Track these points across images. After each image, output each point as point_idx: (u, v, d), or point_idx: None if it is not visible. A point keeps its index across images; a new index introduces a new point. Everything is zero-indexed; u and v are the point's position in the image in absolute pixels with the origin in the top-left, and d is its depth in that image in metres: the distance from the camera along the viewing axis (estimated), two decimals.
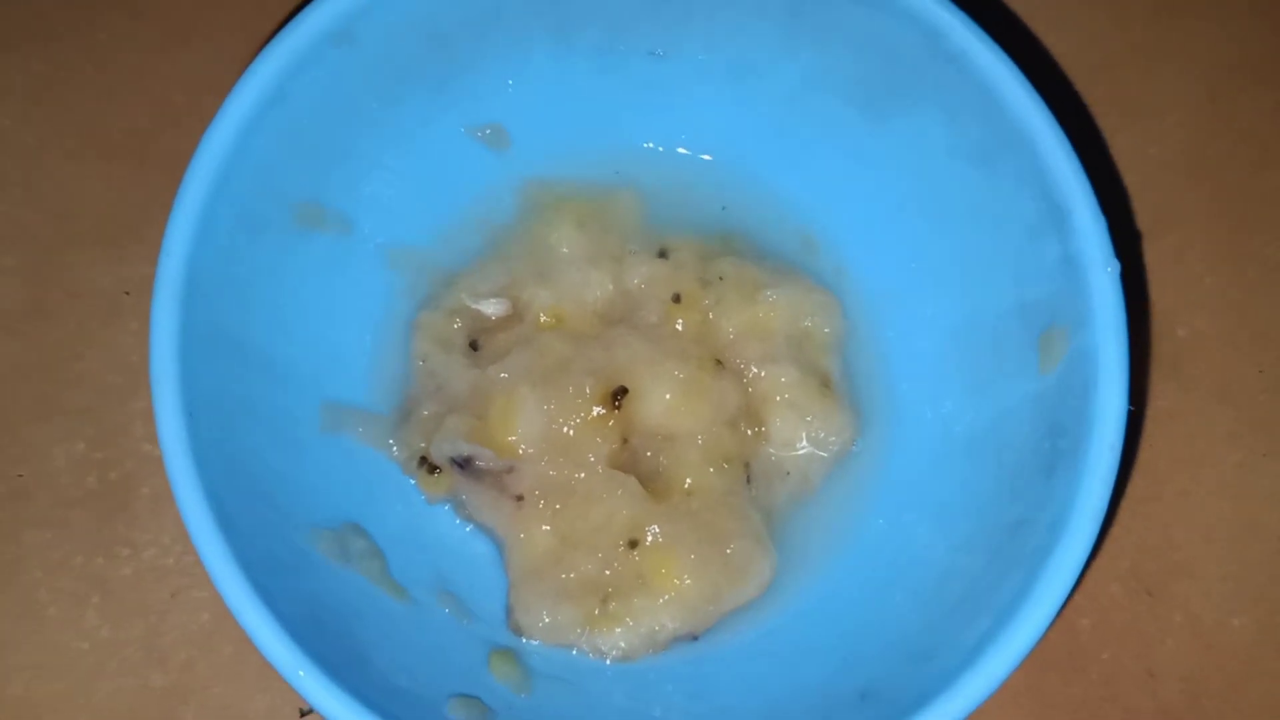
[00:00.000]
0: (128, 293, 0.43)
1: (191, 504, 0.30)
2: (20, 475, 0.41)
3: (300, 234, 0.36)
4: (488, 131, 0.40)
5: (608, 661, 0.36)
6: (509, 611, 0.37)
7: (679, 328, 0.39)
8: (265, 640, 0.29)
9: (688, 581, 0.36)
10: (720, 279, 0.39)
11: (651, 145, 0.41)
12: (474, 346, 0.39)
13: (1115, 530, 0.41)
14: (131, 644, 0.40)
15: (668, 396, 0.37)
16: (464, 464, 0.37)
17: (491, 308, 0.39)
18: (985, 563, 0.33)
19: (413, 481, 0.38)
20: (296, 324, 0.36)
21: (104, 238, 0.43)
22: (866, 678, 0.33)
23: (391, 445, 0.38)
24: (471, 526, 0.38)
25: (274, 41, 0.34)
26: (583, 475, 0.37)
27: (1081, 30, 0.46)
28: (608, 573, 0.37)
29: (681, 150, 0.41)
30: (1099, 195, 0.43)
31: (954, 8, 0.34)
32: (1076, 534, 0.30)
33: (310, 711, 0.39)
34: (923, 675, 0.31)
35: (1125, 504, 0.41)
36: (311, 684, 0.29)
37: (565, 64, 0.39)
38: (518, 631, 0.36)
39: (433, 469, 0.37)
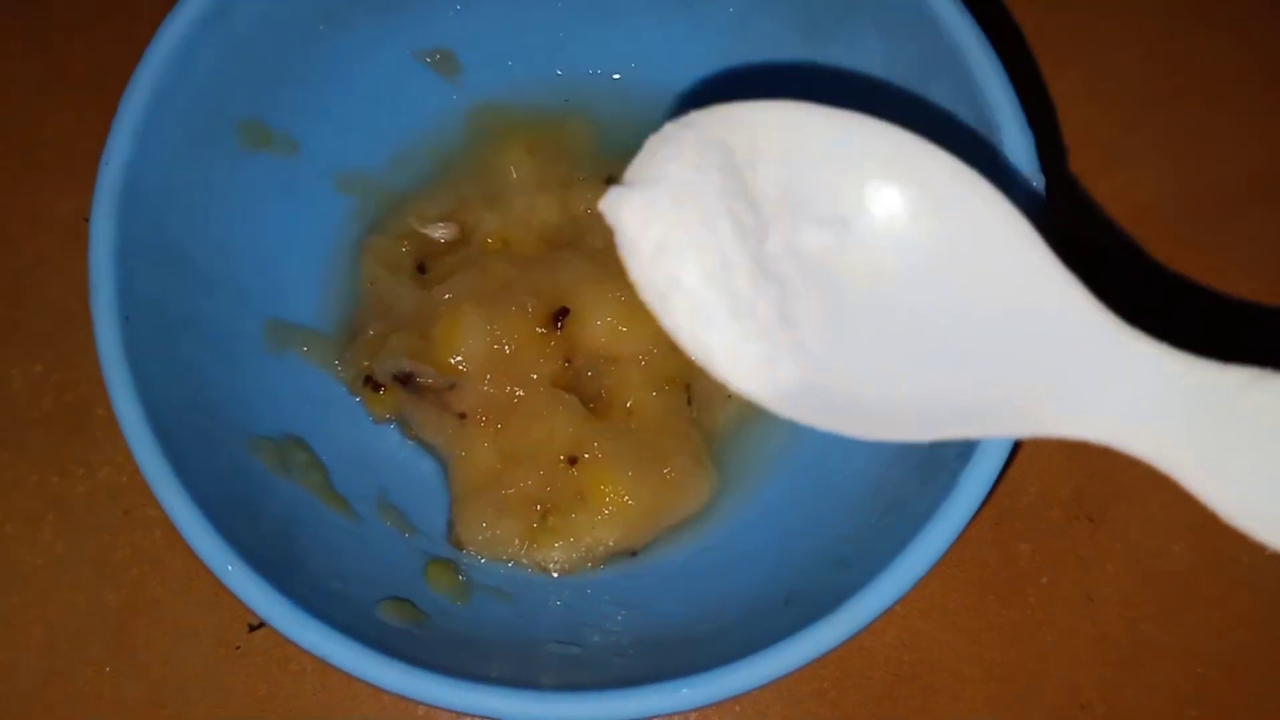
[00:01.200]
0: (87, 219, 0.43)
1: (126, 405, 0.31)
2: None
3: (246, 152, 0.37)
4: (437, 56, 0.40)
5: (547, 575, 0.37)
6: (450, 526, 0.37)
7: None
8: (196, 537, 0.30)
9: (626, 499, 0.37)
10: None
11: (601, 72, 0.42)
12: (421, 270, 0.40)
13: (1058, 458, 0.42)
14: (85, 561, 0.40)
15: (610, 318, 0.38)
16: (406, 380, 0.37)
17: (439, 232, 0.40)
18: (910, 475, 0.33)
19: (358, 400, 0.39)
20: (242, 241, 0.37)
21: (65, 167, 0.44)
22: (792, 585, 0.33)
23: (337, 364, 0.38)
24: (417, 445, 0.39)
25: None
26: (524, 393, 0.38)
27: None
28: (548, 489, 0.37)
29: (629, 77, 0.42)
30: (1045, 131, 0.43)
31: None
32: (992, 443, 0.31)
33: (259, 626, 0.40)
34: (841, 580, 0.31)
35: None
36: (240, 580, 0.30)
37: None
38: (458, 545, 0.37)
39: (378, 387, 0.38)
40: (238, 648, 0.40)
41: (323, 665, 0.39)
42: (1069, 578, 0.41)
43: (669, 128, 0.26)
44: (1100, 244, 0.44)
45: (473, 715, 0.34)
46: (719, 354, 0.26)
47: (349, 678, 0.38)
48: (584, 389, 0.38)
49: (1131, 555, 0.41)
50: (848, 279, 0.26)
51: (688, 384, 0.39)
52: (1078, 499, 0.41)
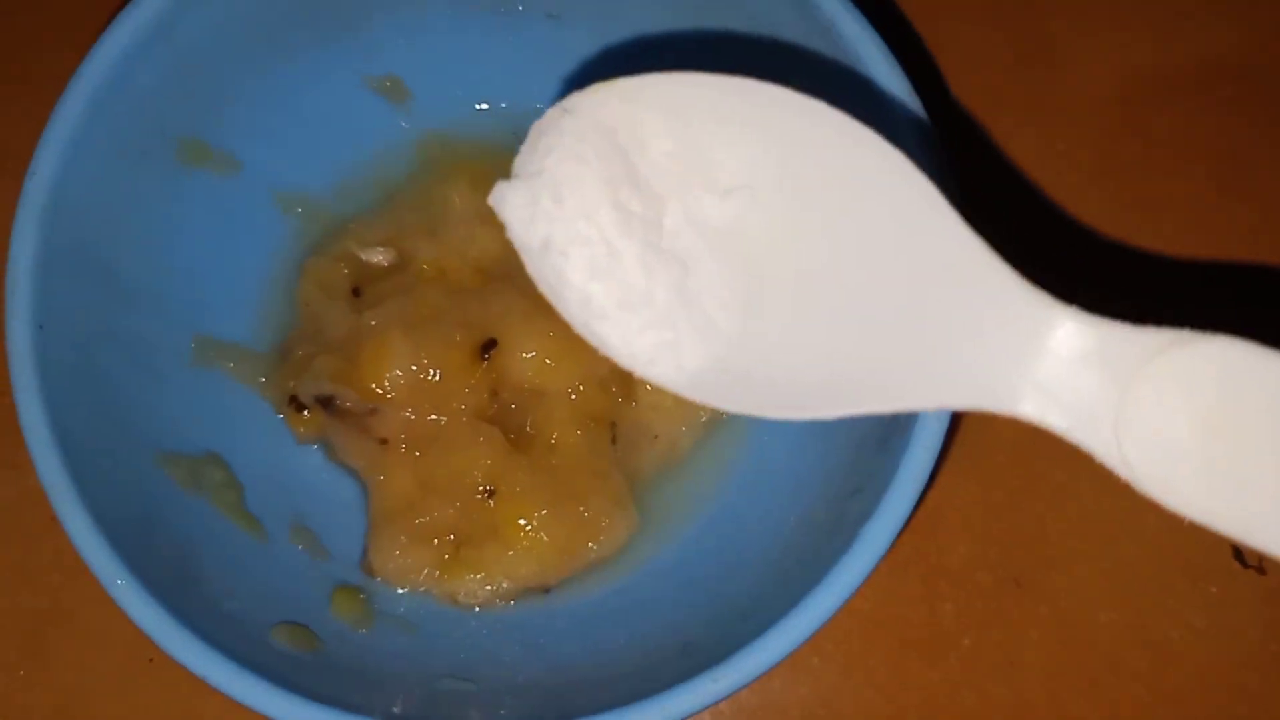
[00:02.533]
0: None
1: (29, 412, 0.31)
2: None
3: (183, 169, 0.37)
4: (387, 84, 0.41)
5: (456, 608, 0.37)
6: (364, 552, 0.37)
7: None
8: (85, 545, 0.30)
9: (541, 535, 0.37)
10: None
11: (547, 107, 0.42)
12: (356, 293, 0.40)
13: (987, 520, 0.41)
14: (6, 565, 0.40)
15: (537, 352, 0.38)
16: (326, 403, 0.37)
17: (378, 256, 0.40)
18: (819, 531, 0.33)
19: (283, 420, 0.39)
20: (173, 256, 0.37)
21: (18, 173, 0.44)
22: (692, 634, 0.33)
23: (262, 382, 0.39)
24: (340, 468, 0.39)
25: None
26: (447, 422, 0.38)
27: (998, 25, 0.46)
28: (463, 520, 0.37)
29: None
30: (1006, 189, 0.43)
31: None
32: (893, 500, 0.30)
33: None
34: (738, 631, 0.31)
35: (999, 495, 0.41)
36: (127, 594, 0.30)
37: (460, 21, 0.39)
38: (369, 571, 0.37)
39: (302, 408, 0.38)
40: (151, 660, 0.39)
41: None
42: (993, 641, 0.40)
43: (550, 114, 0.26)
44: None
45: None
46: (616, 345, 0.26)
47: None
48: (508, 422, 0.38)
49: (1058, 622, 0.40)
50: (751, 248, 0.25)
51: (613, 423, 0.39)
52: (1004, 562, 0.41)
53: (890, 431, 0.32)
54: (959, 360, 0.22)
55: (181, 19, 0.35)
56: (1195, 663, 0.40)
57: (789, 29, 0.35)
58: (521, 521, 0.37)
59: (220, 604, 0.32)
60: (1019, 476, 0.42)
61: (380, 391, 0.37)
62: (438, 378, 0.38)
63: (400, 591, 0.37)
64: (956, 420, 0.34)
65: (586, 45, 0.40)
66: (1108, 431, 0.21)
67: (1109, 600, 0.41)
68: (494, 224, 0.39)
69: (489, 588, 0.37)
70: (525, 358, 0.38)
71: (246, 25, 0.37)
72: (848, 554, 0.30)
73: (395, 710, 0.30)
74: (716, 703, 0.29)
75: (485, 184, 0.40)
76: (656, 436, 0.39)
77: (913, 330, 0.23)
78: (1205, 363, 0.20)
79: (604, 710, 0.29)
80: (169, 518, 0.33)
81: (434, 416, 0.38)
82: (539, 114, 0.41)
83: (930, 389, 0.23)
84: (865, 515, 0.30)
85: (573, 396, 0.38)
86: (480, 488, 0.37)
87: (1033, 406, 0.22)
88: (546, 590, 0.37)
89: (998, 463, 0.42)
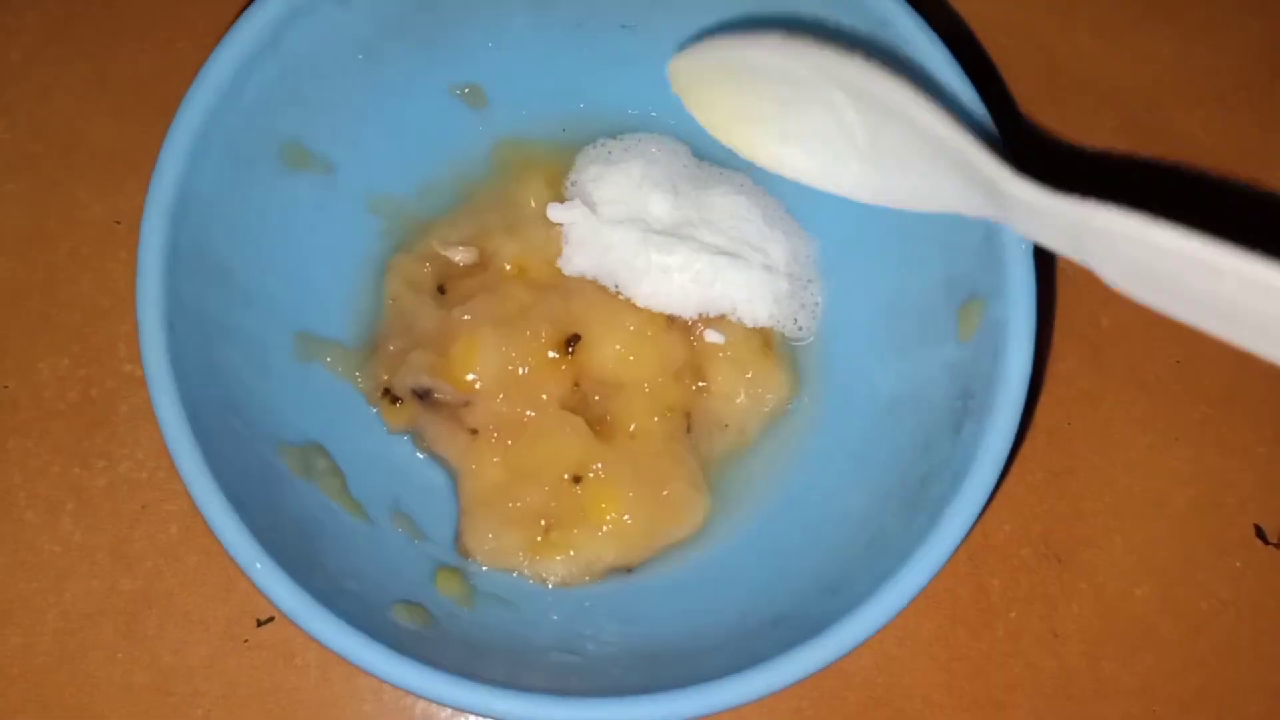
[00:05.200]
0: (118, 222, 0.45)
1: (167, 409, 0.33)
2: (7, 386, 0.43)
3: (286, 172, 0.39)
4: (466, 91, 0.43)
5: (547, 586, 0.39)
6: (458, 535, 0.39)
7: None
8: (228, 535, 0.32)
9: (625, 517, 0.39)
10: None
11: (619, 109, 0.44)
12: (441, 290, 0.42)
13: (1030, 499, 0.44)
14: (102, 549, 0.42)
15: (618, 346, 0.40)
16: (423, 395, 0.39)
17: (460, 255, 0.42)
18: (895, 511, 0.36)
19: (376, 411, 0.41)
20: (278, 256, 0.39)
21: (102, 171, 0.46)
22: (780, 608, 0.36)
23: (358, 376, 0.41)
24: (429, 457, 0.41)
25: None
26: (534, 413, 0.40)
27: (1029, 39, 0.49)
28: (552, 505, 0.39)
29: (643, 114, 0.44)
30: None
31: (906, 6, 0.37)
32: (974, 483, 0.33)
33: (267, 621, 0.41)
34: (828, 605, 0.33)
35: (1040, 475, 0.44)
36: (268, 578, 0.32)
37: (542, 32, 0.42)
38: (465, 554, 0.39)
39: (395, 400, 0.40)
40: (245, 641, 0.41)
41: (326, 660, 0.41)
42: (1036, 614, 0.43)
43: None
44: None
45: (473, 714, 0.36)
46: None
47: (351, 673, 0.40)
48: (590, 411, 0.41)
49: (1096, 596, 0.43)
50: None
51: (688, 412, 0.41)
52: (1045, 539, 0.44)
53: (963, 418, 0.35)
54: (965, 194, 0.32)
55: (288, 31, 0.37)
56: (1222, 631, 0.43)
57: (864, 36, 0.38)
58: (605, 505, 0.39)
59: (342, 583, 0.34)
60: (1057, 458, 0.45)
61: (472, 384, 0.39)
62: (525, 371, 0.40)
63: (494, 571, 0.39)
64: (1027, 415, 0.37)
65: (656, 53, 0.42)
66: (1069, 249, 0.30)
67: (1142, 575, 0.44)
68: None
69: (577, 567, 0.39)
70: (606, 351, 0.40)
71: (346, 37, 0.39)
72: (933, 534, 0.33)
73: (509, 679, 0.33)
74: (816, 672, 0.32)
75: (557, 184, 0.43)
76: (727, 425, 0.42)
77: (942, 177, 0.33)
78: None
79: (710, 679, 0.32)
80: (290, 504, 0.35)
81: (522, 408, 0.40)
82: (608, 119, 0.44)
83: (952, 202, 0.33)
84: (947, 497, 0.33)
85: (648, 388, 0.41)
86: (566, 474, 0.40)
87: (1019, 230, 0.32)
88: (630, 570, 0.40)
89: (1037, 446, 0.45)
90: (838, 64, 0.32)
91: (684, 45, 0.38)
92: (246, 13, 0.36)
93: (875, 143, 0.34)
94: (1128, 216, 0.27)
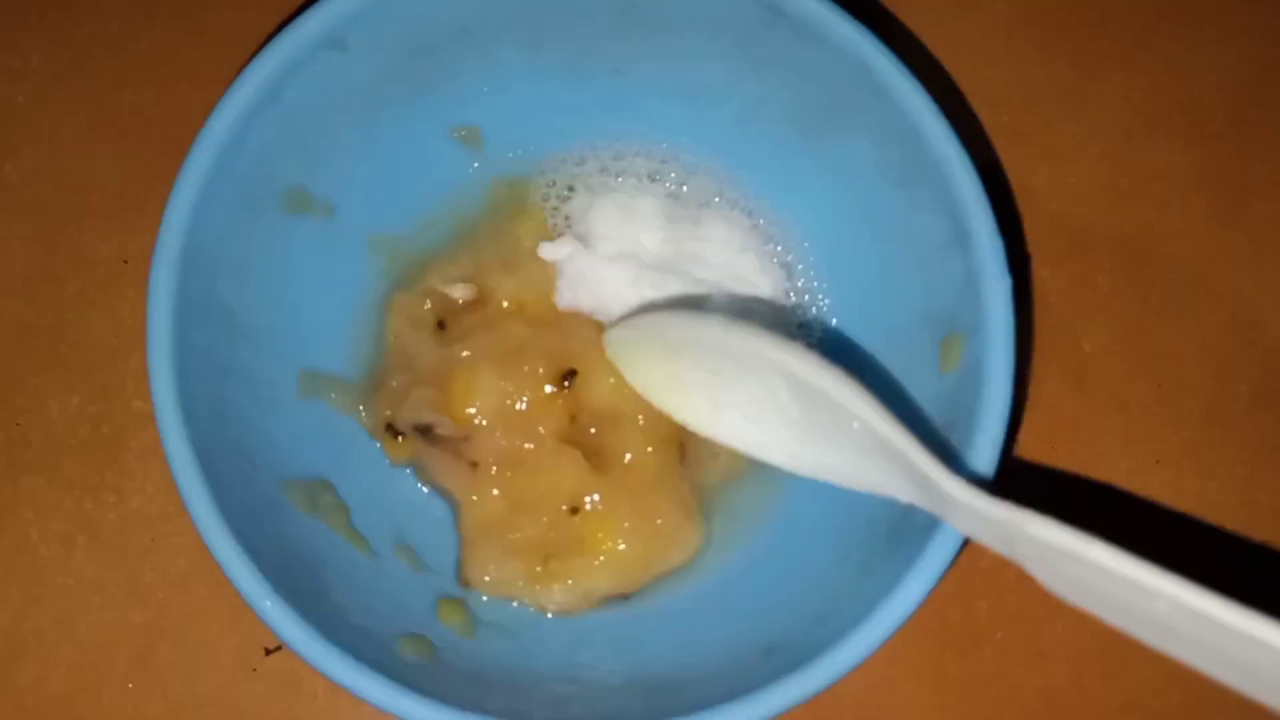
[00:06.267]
0: (126, 261, 0.46)
1: (177, 450, 0.34)
2: (19, 424, 0.45)
3: (289, 217, 0.40)
4: (464, 132, 0.44)
5: (547, 614, 0.40)
6: (459, 566, 0.41)
7: None
8: (237, 573, 0.33)
9: (621, 546, 0.40)
10: None
11: (612, 150, 0.45)
12: (441, 326, 0.43)
13: None
14: (114, 583, 0.43)
15: (613, 380, 0.41)
16: (425, 431, 0.41)
17: (459, 292, 0.43)
18: (881, 540, 0.37)
19: (378, 445, 0.42)
20: (281, 297, 0.40)
21: (108, 211, 0.47)
22: (771, 637, 0.37)
23: (361, 411, 0.42)
24: (430, 489, 0.42)
25: (273, 43, 0.37)
26: (533, 446, 0.41)
27: (1011, 69, 0.50)
28: (551, 535, 0.41)
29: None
30: (1018, 221, 0.47)
31: (883, 47, 0.38)
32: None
33: (275, 650, 0.43)
34: (819, 634, 0.35)
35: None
36: (277, 615, 0.33)
37: (537, 76, 0.43)
38: (466, 584, 0.40)
39: (397, 434, 0.41)
40: (254, 670, 0.43)
41: (333, 689, 0.42)
42: (1023, 634, 0.44)
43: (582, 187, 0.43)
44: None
45: None
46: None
47: (356, 702, 0.41)
48: (587, 444, 0.42)
49: (1079, 616, 0.44)
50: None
51: (681, 443, 0.42)
52: None
53: (946, 450, 0.36)
54: (901, 484, 0.34)
55: (289, 81, 0.38)
56: None
57: (844, 86, 0.39)
58: (602, 534, 0.41)
59: (349, 617, 0.35)
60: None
61: (472, 419, 0.41)
62: (523, 405, 0.41)
63: (495, 601, 0.40)
64: (1009, 446, 0.38)
65: (647, 96, 0.44)
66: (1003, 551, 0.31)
67: None
68: None
69: (576, 595, 0.40)
70: (601, 385, 0.41)
71: (346, 84, 0.40)
72: (918, 564, 0.34)
73: (510, 710, 0.34)
74: (804, 701, 0.33)
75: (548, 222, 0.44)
76: (718, 455, 0.43)
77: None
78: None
79: (700, 709, 0.33)
80: (296, 540, 0.37)
81: (521, 441, 0.41)
82: (600, 158, 0.45)
83: (889, 488, 0.34)
84: (931, 528, 0.34)
85: (643, 420, 0.42)
86: (564, 505, 0.41)
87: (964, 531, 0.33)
88: (627, 597, 0.41)
89: (1023, 471, 0.46)
90: (775, 351, 0.34)
91: (615, 321, 0.41)
92: (248, 67, 0.37)
93: (809, 424, 0.35)
94: (1060, 531, 0.28)
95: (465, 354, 0.41)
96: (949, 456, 0.34)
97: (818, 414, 0.34)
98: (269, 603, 0.33)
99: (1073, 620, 0.44)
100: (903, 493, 0.33)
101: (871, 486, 0.34)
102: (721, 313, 0.39)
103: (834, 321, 0.44)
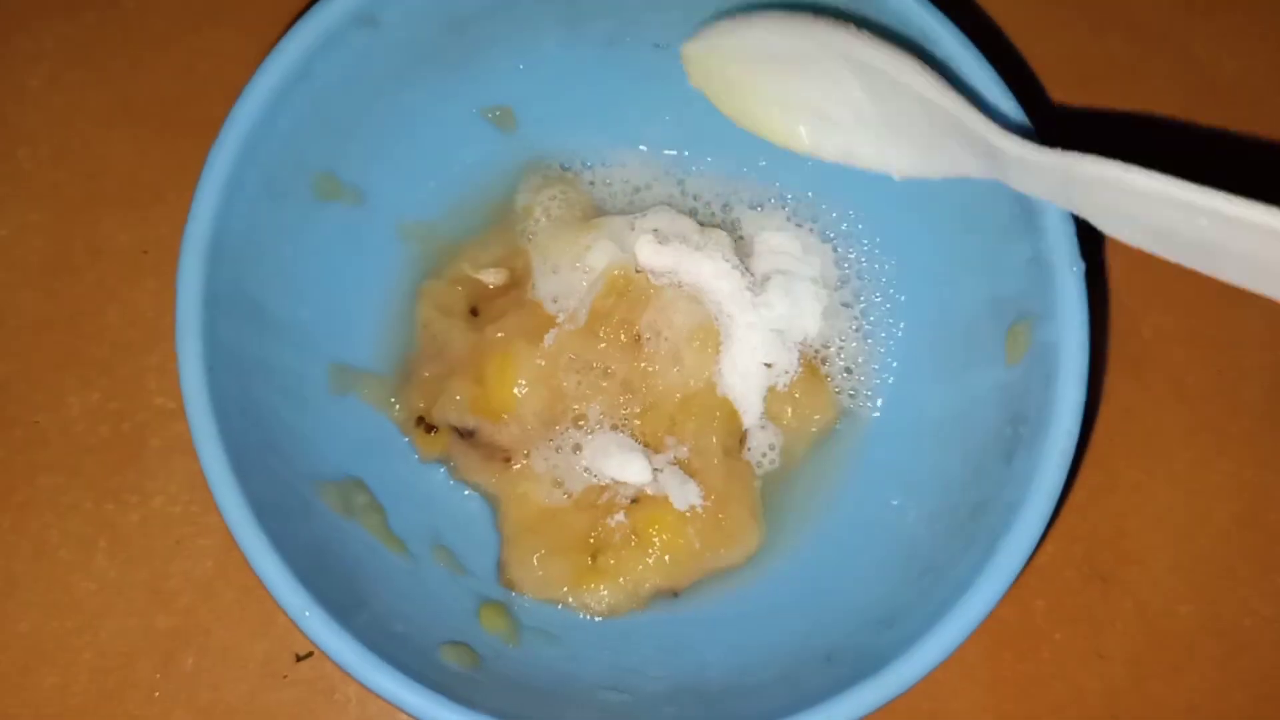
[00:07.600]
0: (146, 251, 0.45)
1: (209, 451, 0.32)
2: (37, 421, 0.43)
3: (318, 204, 0.38)
4: (497, 113, 0.42)
5: (592, 617, 0.39)
6: (501, 567, 0.39)
7: None
8: (275, 583, 0.31)
9: (678, 539, 0.39)
10: None
11: (651, 132, 0.43)
12: (474, 313, 0.41)
13: (1071, 518, 0.44)
14: (137, 587, 0.42)
15: (676, 368, 0.39)
16: (466, 434, 0.39)
17: (491, 276, 0.42)
18: (947, 539, 0.35)
19: (408, 440, 0.40)
20: (311, 289, 0.38)
21: (126, 199, 0.45)
22: (832, 642, 0.35)
23: (394, 404, 0.40)
24: (463, 485, 0.40)
25: (303, 20, 0.35)
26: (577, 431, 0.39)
27: (1065, 44, 0.49)
28: (598, 528, 0.39)
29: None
30: None
31: (946, 20, 0.36)
32: (1030, 515, 0.32)
33: (305, 656, 0.41)
34: (883, 641, 0.33)
35: (1082, 494, 0.44)
36: (316, 625, 0.31)
37: (574, 52, 0.41)
38: (510, 586, 0.39)
39: (430, 429, 0.40)
40: (285, 676, 0.41)
41: (366, 696, 0.41)
42: (1081, 635, 0.43)
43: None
44: None
45: None
46: None
47: (391, 709, 0.39)
48: (641, 425, 0.40)
49: (1140, 615, 0.43)
50: None
51: (744, 431, 0.40)
52: (1089, 559, 0.43)
53: (1015, 445, 0.35)
54: (965, 155, 0.34)
55: (319, 60, 0.36)
56: (1265, 648, 0.43)
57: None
58: (657, 526, 0.39)
59: (390, 625, 0.34)
60: (1098, 476, 0.44)
61: (512, 403, 0.39)
62: (568, 385, 0.39)
63: (538, 605, 0.38)
64: (1082, 442, 0.36)
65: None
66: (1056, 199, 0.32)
67: (1186, 593, 0.43)
68: None
69: (624, 594, 0.38)
70: (660, 362, 0.39)
71: (377, 63, 0.38)
72: (989, 567, 0.32)
73: None
74: (872, 711, 0.32)
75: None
76: (774, 446, 0.41)
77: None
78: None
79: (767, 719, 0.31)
80: (333, 544, 0.35)
81: (563, 426, 0.39)
82: (636, 139, 0.43)
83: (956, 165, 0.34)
84: (1001, 530, 0.33)
85: (701, 403, 0.40)
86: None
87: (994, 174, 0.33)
88: (676, 594, 0.39)
89: (1078, 465, 0.44)
90: (838, 37, 0.34)
91: (691, 33, 0.38)
92: (279, 44, 0.35)
93: (881, 114, 0.35)
94: (1106, 164, 0.29)
95: (499, 335, 0.39)
96: (1002, 121, 0.34)
97: (886, 101, 0.34)
98: (308, 613, 0.31)
99: (1133, 620, 0.43)
100: (970, 166, 0.34)
101: (943, 168, 0.35)
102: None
103: (890, 308, 0.42)
